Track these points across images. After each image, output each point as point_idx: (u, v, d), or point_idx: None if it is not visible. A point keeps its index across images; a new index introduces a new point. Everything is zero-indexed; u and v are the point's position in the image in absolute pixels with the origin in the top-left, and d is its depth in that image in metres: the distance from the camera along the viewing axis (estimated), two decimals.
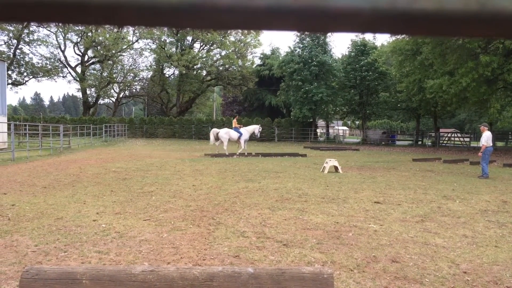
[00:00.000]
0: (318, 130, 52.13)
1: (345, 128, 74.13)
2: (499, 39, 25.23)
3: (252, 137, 23.22)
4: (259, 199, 8.75)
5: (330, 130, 54.68)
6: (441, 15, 0.34)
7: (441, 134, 44.31)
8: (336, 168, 14.68)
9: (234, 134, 21.68)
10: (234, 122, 22.49)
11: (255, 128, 22.30)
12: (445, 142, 44.09)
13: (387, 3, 0.34)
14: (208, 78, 53.59)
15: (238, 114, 48.82)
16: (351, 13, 0.34)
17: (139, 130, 45.23)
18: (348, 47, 43.77)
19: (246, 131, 22.10)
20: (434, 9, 0.34)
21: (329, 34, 43.24)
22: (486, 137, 14.01)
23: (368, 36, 46.11)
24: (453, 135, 46.35)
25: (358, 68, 41.13)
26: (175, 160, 18.20)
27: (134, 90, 59.24)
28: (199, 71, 52.75)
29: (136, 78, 55.72)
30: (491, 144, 14.18)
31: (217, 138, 21.82)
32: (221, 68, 51.04)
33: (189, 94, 51.73)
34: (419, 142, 44.83)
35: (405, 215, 7.46)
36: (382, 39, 63.10)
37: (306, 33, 37.98)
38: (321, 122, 57.21)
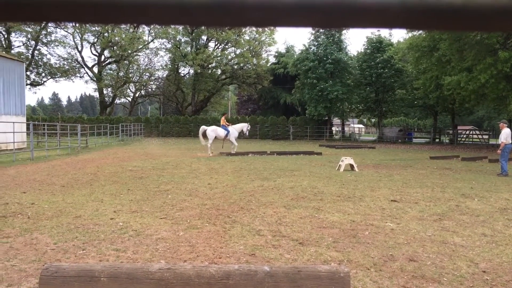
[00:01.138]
0: (333, 128, 51.81)
1: (360, 126, 73.60)
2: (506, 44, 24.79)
3: (241, 136, 22.97)
4: (274, 197, 8.74)
5: (346, 128, 54.30)
6: (470, 10, 0.34)
7: (459, 131, 43.68)
8: (352, 166, 14.58)
9: (221, 132, 21.36)
10: (223, 120, 22.25)
11: (244, 126, 22.09)
12: (463, 139, 43.43)
13: None
14: (223, 77, 53.70)
15: (251, 113, 48.83)
16: (379, 9, 0.34)
17: (155, 129, 45.59)
18: (364, 44, 43.44)
19: (234, 129, 21.89)
20: (462, 4, 0.34)
21: (344, 31, 43.01)
22: (506, 134, 13.75)
23: (384, 33, 45.60)
24: (471, 133, 45.62)
25: (374, 65, 40.77)
26: (190, 159, 18.29)
27: (149, 89, 59.73)
28: (214, 70, 52.90)
29: (152, 78, 56.22)
30: (510, 141, 13.91)
31: (205, 135, 21.53)
32: (235, 66, 51.11)
33: (204, 93, 51.95)
34: (437, 140, 44.25)
35: (423, 213, 7.37)
36: (398, 36, 62.51)
37: (330, 29, 37.83)
38: (336, 120, 56.87)
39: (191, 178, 11.62)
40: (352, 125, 60.50)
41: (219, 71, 53.38)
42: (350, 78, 42.24)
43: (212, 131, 21.37)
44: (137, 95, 57.92)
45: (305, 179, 11.81)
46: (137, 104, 65.35)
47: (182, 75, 56.00)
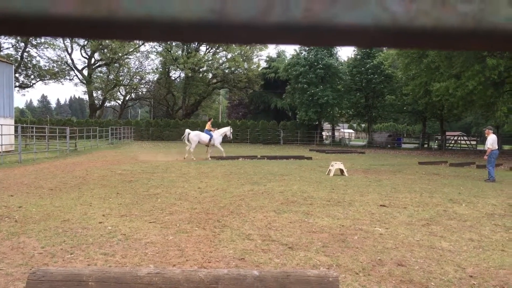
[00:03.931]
0: (323, 133, 51.97)
1: (351, 131, 74.02)
2: (494, 52, 25.10)
3: (225, 139, 22.93)
4: (264, 201, 8.75)
5: (336, 133, 54.56)
6: (440, 31, 0.36)
7: (447, 137, 44.11)
8: (341, 171, 14.65)
9: (204, 137, 21.23)
10: (208, 125, 22.20)
11: (227, 130, 22.01)
12: (451, 145, 43.87)
13: (389, 20, 0.36)
14: (214, 81, 53.70)
15: (241, 118, 48.81)
16: (356, 30, 0.36)
17: (145, 133, 45.37)
18: (354, 50, 43.81)
19: (218, 133, 21.87)
20: (432, 26, 0.36)
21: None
22: (492, 140, 13.93)
23: None
24: (459, 138, 46.10)
25: (364, 71, 41.08)
26: (180, 163, 18.24)
27: (140, 92, 59.52)
28: (205, 74, 52.87)
29: (142, 81, 56.06)
30: (497, 147, 14.09)
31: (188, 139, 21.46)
32: (227, 71, 51.17)
33: (195, 96, 51.89)
34: (425, 145, 44.63)
35: (411, 218, 7.43)
36: None
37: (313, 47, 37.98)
38: (326, 125, 57.14)
39: (181, 182, 11.58)
40: (342, 130, 60.86)
41: (210, 75, 53.38)
42: (341, 84, 42.51)
43: (195, 135, 21.25)
44: (127, 98, 57.66)
45: (295, 183, 11.84)
46: (127, 107, 64.99)
47: (173, 78, 55.91)
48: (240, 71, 50.63)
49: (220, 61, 51.34)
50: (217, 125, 45.64)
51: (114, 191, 9.78)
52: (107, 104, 58.24)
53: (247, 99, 55.01)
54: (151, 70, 56.12)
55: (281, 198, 9.26)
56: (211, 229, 6.34)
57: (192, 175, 13.52)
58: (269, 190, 10.36)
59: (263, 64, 54.15)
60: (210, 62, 50.34)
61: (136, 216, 7.19)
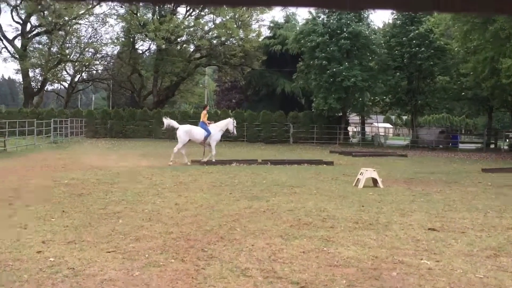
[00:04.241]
0: (349, 128, 51.99)
1: (387, 125, 74.06)
2: None
3: (226, 135, 23.11)
4: (267, 223, 8.75)
5: (367, 129, 54.63)
6: None
7: None
8: (374, 181, 14.64)
9: (198, 134, 21.35)
10: (203, 115, 22.24)
11: (229, 123, 22.13)
12: None
13: None
14: (197, 55, 53.68)
15: (236, 106, 48.79)
16: None
17: (101, 127, 45.35)
18: (393, 13, 43.77)
19: (217, 128, 21.91)
20: None
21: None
22: None
23: None
24: None
25: (406, 42, 41.07)
26: (150, 169, 18.21)
27: (94, 71, 59.49)
28: (184, 45, 52.87)
29: (98, 55, 55.96)
30: None
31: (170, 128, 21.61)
32: (215, 41, 51.11)
33: (171, 77, 51.83)
34: (492, 146, 44.65)
35: (472, 247, 7.43)
36: None
37: (332, 10, 38.08)
38: (354, 117, 57.08)
39: (151, 196, 11.57)
40: (375, 124, 60.80)
41: (191, 48, 53.36)
42: (374, 60, 42.49)
43: (186, 132, 21.25)
44: (76, 79, 57.60)
45: (310, 198, 11.83)
46: (76, 92, 64.97)
47: (140, 52, 55.89)
48: (234, 42, 50.58)
49: (206, 28, 51.30)
50: (197, 118, 45.57)
51: (59, 209, 9.77)
52: (48, 87, 58.25)
53: (243, 80, 54.99)
54: (109, 41, 55.93)
55: (291, 218, 9.26)
56: (193, 262, 6.33)
57: (166, 186, 13.50)
58: (274, 208, 10.36)
59: (266, 33, 54.19)
60: (191, 29, 50.31)
61: (88, 243, 7.18)
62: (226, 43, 50.78)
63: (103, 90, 75.84)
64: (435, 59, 41.06)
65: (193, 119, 44.89)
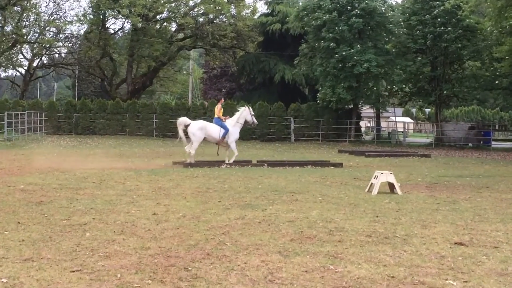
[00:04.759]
0: (362, 124, 52.03)
1: (407, 119, 74.17)
2: None
3: (248, 127, 23.25)
4: (263, 237, 8.73)
5: (383, 124, 54.72)
6: None
7: None
8: (391, 186, 14.64)
9: (214, 131, 21.39)
10: (218, 110, 22.25)
11: (246, 115, 22.27)
12: None
13: None
14: (180, 35, 53.55)
15: (226, 97, 48.68)
16: None
17: (65, 122, 45.28)
18: None
19: (232, 122, 21.96)
20: None
21: None
22: None
23: None
24: None
25: (429, 21, 41.05)
26: (124, 172, 18.17)
27: (57, 55, 59.32)
28: (165, 24, 52.76)
29: (61, 36, 55.85)
30: None
31: (186, 132, 21.63)
32: (201, 19, 51.02)
33: (149, 62, 51.73)
34: None
35: (506, 265, 7.43)
36: None
37: None
38: (367, 110, 57.16)
39: (125, 204, 11.54)
40: (393, 118, 60.89)
41: (173, 27, 53.26)
42: (391, 41, 42.48)
43: (200, 129, 21.38)
44: (35, 64, 57.48)
45: (314, 207, 11.82)
46: (35, 80, 64.80)
47: (112, 32, 55.73)
48: (224, 19, 50.52)
49: (191, 3, 51.21)
50: (185, 109, 45.66)
51: (13, 220, 9.72)
52: (1, 73, 58.07)
53: (235, 66, 54.96)
54: (75, 18, 55.78)
55: (291, 231, 9.25)
56: (174, 283, 6.31)
57: (143, 192, 13.47)
58: (271, 218, 10.35)
59: (262, 9, 54.63)
60: (173, 4, 50.17)
61: (49, 260, 7.14)
62: (214, 21, 50.73)
63: (68, 77, 75.60)
64: (463, 41, 41.06)
65: (175, 113, 44.99)
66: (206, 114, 43.01)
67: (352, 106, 44.52)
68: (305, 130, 44.09)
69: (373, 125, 51.54)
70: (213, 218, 10.23)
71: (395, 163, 25.33)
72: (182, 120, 21.87)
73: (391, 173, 14.85)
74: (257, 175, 18.17)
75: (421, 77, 43.59)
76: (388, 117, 67.07)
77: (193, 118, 44.17)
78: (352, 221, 10.31)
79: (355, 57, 39.29)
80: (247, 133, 43.15)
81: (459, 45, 40.83)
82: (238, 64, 54.12)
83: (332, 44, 39.84)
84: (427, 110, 77.66)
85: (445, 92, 43.20)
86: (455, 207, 12.32)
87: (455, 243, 8.61)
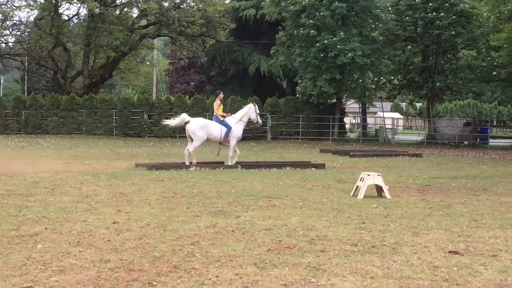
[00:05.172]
0: (346, 120, 52.24)
1: (396, 115, 74.60)
2: None
3: (251, 126, 23.49)
4: (237, 247, 8.73)
5: (369, 120, 54.99)
6: None
7: None
8: (379, 189, 14.71)
9: (215, 130, 21.50)
10: (217, 106, 22.26)
11: (251, 112, 22.48)
12: None
13: None
14: (143, 22, 53.37)
15: (194, 90, 48.54)
16: None
17: (13, 120, 44.90)
18: None
19: (234, 120, 22.02)
20: None
21: None
22: None
23: None
24: None
25: (420, 6, 41.35)
26: (80, 176, 18.07)
27: (3, 44, 58.70)
28: (125, 10, 52.52)
29: (8, 23, 55.27)
30: None
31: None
32: (166, 4, 50.90)
33: (107, 52, 51.49)
34: None
35: (506, 275, 7.51)
36: None
37: None
38: (352, 105, 57.41)
39: (81, 212, 11.47)
40: (381, 113, 61.23)
41: (135, 12, 53.06)
42: (378, 28, 42.70)
43: (201, 128, 21.49)
44: None
45: (293, 213, 11.84)
46: None
47: (66, 18, 55.33)
48: (192, 4, 50.45)
49: None
50: (149, 105, 45.53)
51: None
52: None
53: (205, 56, 54.87)
54: (23, 3, 55.38)
55: (268, 240, 9.25)
56: None
57: (101, 198, 13.41)
58: (246, 226, 10.34)
59: None
60: None
61: None
62: (181, 7, 50.68)
63: (16, 69, 75.00)
64: (458, 28, 41.41)
65: (137, 109, 44.83)
66: (172, 111, 42.93)
67: (335, 100, 44.70)
68: (283, 127, 44.17)
69: (359, 121, 51.79)
70: (181, 227, 10.20)
71: (383, 164, 25.46)
72: (182, 117, 21.83)
73: (378, 175, 14.91)
74: (230, 178, 18.16)
75: (411, 68, 43.85)
76: (375, 113, 67.43)
77: (158, 115, 44.68)
78: (335, 228, 10.34)
79: (338, 46, 39.44)
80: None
81: (453, 32, 41.15)
82: (208, 54, 54.06)
83: (312, 31, 39.94)
84: (418, 105, 78.22)
85: (437, 84, 43.39)
86: (449, 212, 12.41)
87: (450, 252, 8.67)
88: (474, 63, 42.84)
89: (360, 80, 42.45)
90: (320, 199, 13.94)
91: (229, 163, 22.07)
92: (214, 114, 22.25)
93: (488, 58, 41.81)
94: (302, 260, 8.02)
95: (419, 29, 41.58)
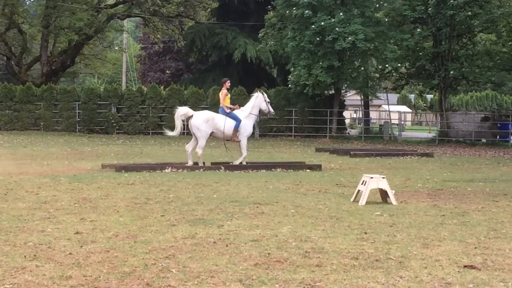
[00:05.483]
0: (346, 114, 52.28)
1: (403, 109, 74.74)
2: None
3: (261, 117, 23.70)
4: (219, 261, 8.72)
5: (373, 114, 55.12)
6: None
7: None
8: (384, 194, 14.74)
9: (222, 125, 21.75)
10: (223, 96, 22.29)
11: (260, 102, 22.74)
12: None
13: None
14: (111, 1, 53.26)
15: (171, 80, 48.46)
16: None
17: None
18: None
19: (244, 113, 22.11)
20: None
21: None
22: None
23: None
24: None
25: None
26: (37, 179, 18.02)
27: None
28: None
29: None
30: None
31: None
32: None
33: (70, 35, 51.29)
34: None
35: None
36: None
37: None
38: (352, 97, 57.49)
39: (39, 221, 11.44)
40: (386, 107, 61.37)
41: None
42: (383, 8, 42.73)
43: (206, 122, 21.55)
44: None
45: (285, 222, 11.85)
46: None
47: None
48: None
49: None
50: (117, 96, 45.38)
51: None
52: None
53: (183, 40, 54.81)
54: None
55: (255, 253, 9.25)
56: None
57: (62, 205, 13.39)
58: (230, 237, 10.34)
59: None
60: None
61: None
62: None
63: None
64: (474, 8, 41.46)
65: (105, 101, 44.73)
66: (144, 103, 42.90)
67: (333, 91, 44.75)
68: (274, 122, 44.19)
69: (360, 116, 51.87)
70: (154, 238, 10.19)
71: (389, 165, 25.51)
72: (183, 110, 21.83)
73: (383, 178, 14.92)
74: (211, 181, 18.17)
75: (421, 54, 43.90)
76: (380, 106, 67.60)
77: (128, 108, 44.62)
78: (333, 239, 10.34)
79: (337, 29, 39.46)
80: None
81: (469, 13, 41.15)
82: (186, 38, 54.00)
83: (307, 11, 39.90)
84: (429, 97, 78.23)
85: (451, 73, 43.39)
86: (464, 220, 12.44)
87: (465, 266, 8.69)
88: (493, 48, 42.93)
89: (362, 68, 42.51)
90: (315, 206, 13.94)
91: (243, 162, 22.39)
92: (220, 106, 22.24)
93: (510, 43, 41.91)
94: (295, 276, 8.03)
95: (430, 9, 41.55)
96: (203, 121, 21.49)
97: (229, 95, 22.66)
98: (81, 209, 12.85)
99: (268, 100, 23.12)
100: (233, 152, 23.43)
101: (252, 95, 23.12)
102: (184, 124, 22.44)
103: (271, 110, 23.47)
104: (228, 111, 21.96)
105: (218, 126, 21.55)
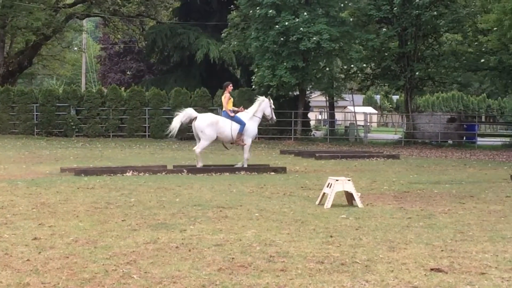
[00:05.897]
0: (311, 116, 52.40)
1: (369, 110, 75.12)
2: None
3: (264, 123, 24.11)
4: (181, 266, 8.69)
5: (338, 115, 55.29)
6: None
7: None
8: (349, 197, 14.79)
9: (227, 128, 21.73)
10: (226, 100, 22.27)
11: (265, 107, 22.77)
12: None
13: None
14: (70, 0, 52.87)
15: (132, 81, 48.24)
16: None
17: None
18: None
19: (248, 115, 22.11)
20: None
21: None
22: None
23: None
24: None
25: None
26: None
27: None
28: None
29: None
30: None
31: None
32: None
33: (27, 35, 50.96)
34: None
35: None
36: None
37: None
38: (317, 99, 57.64)
39: None
40: (351, 108, 61.61)
41: None
42: (347, 8, 42.88)
43: (211, 125, 21.56)
44: None
45: (249, 225, 11.86)
46: None
47: None
48: None
49: None
50: (77, 98, 45.14)
51: None
52: None
53: (144, 41, 54.65)
54: None
55: (219, 258, 9.24)
56: None
57: (20, 210, 13.29)
58: (193, 242, 10.32)
59: None
60: None
61: None
62: None
63: None
64: (440, 8, 41.77)
65: (63, 103, 44.42)
66: (104, 105, 42.69)
67: (298, 92, 44.82)
68: None
69: (326, 117, 52.00)
70: (115, 243, 10.13)
71: (354, 167, 25.62)
72: (187, 112, 21.74)
73: (349, 180, 14.98)
74: (173, 184, 18.14)
75: (386, 54, 44.10)
76: (345, 107, 67.83)
77: (88, 110, 44.37)
78: (298, 243, 10.36)
79: (301, 29, 39.54)
80: (158, 130, 43.04)
81: (435, 13, 41.42)
82: (147, 38, 53.84)
83: (271, 11, 39.94)
84: (395, 98, 78.68)
85: (417, 73, 43.65)
86: (431, 223, 12.52)
87: (431, 270, 8.74)
88: (459, 48, 43.22)
89: (327, 69, 42.65)
90: (280, 209, 13.96)
91: (245, 165, 22.50)
92: (223, 109, 22.29)
93: (475, 43, 42.17)
94: (259, 281, 8.03)
95: (395, 8, 41.81)
96: (207, 124, 21.61)
97: (232, 98, 22.75)
98: (39, 214, 12.75)
99: (273, 106, 23.29)
100: (233, 152, 23.39)
101: (257, 99, 23.22)
102: (183, 126, 22.33)
103: (274, 117, 23.54)
104: (232, 114, 22.02)
105: (222, 130, 21.64)
